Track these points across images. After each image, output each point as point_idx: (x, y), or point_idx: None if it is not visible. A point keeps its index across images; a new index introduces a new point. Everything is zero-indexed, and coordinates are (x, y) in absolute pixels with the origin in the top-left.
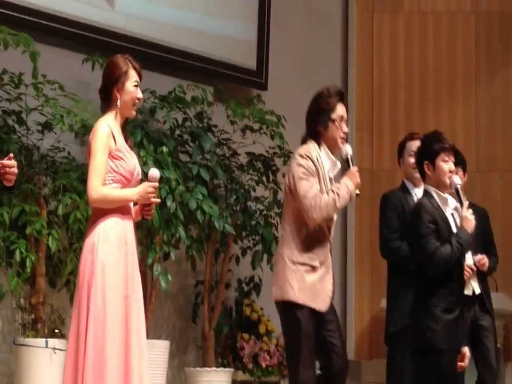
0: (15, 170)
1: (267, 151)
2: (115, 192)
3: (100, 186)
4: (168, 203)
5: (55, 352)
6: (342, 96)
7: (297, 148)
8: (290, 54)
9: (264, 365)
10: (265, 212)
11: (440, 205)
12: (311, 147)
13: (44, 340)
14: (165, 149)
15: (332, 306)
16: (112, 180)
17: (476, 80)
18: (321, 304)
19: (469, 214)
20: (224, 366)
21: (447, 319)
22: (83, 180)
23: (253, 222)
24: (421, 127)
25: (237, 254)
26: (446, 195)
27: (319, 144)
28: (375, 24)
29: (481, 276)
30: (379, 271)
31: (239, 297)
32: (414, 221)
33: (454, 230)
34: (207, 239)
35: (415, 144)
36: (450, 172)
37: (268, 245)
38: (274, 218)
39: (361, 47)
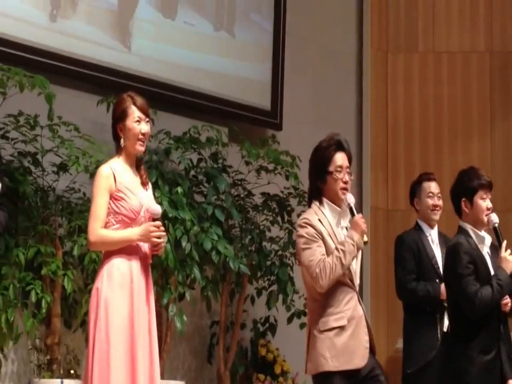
0: None
1: (282, 191)
2: (113, 234)
3: (97, 229)
4: (183, 243)
5: None
6: (340, 145)
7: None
8: (305, 95)
9: None
10: (280, 252)
11: (477, 243)
12: (310, 212)
13: (59, 380)
14: (179, 189)
15: (374, 358)
16: (115, 221)
17: (490, 120)
18: (360, 360)
19: (507, 255)
20: None
21: (483, 360)
22: None
23: (268, 262)
24: (436, 167)
25: (252, 294)
26: (483, 233)
27: (321, 202)
28: (389, 64)
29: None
30: (395, 311)
31: (255, 338)
32: (452, 261)
33: (491, 269)
34: (222, 280)
35: (433, 185)
36: (488, 209)
37: (283, 285)
38: (289, 259)
39: (376, 87)
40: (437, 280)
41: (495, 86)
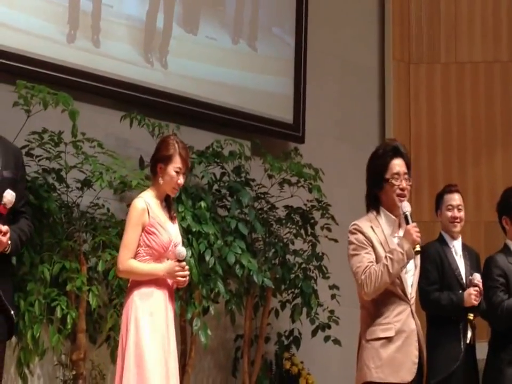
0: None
1: (305, 204)
2: (141, 266)
3: (127, 259)
4: (207, 258)
5: None
6: (397, 151)
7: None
8: (327, 107)
9: None
10: (304, 265)
11: None
12: (363, 219)
13: None
14: (203, 204)
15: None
16: (145, 253)
17: None
18: (406, 375)
19: None
20: None
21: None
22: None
23: (292, 276)
24: (459, 180)
25: (276, 307)
26: None
27: (378, 211)
28: (411, 76)
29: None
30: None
31: (279, 351)
32: (484, 276)
33: None
34: (246, 293)
35: (453, 197)
36: None
37: (307, 298)
38: (313, 272)
39: (398, 99)
40: (460, 291)
41: None
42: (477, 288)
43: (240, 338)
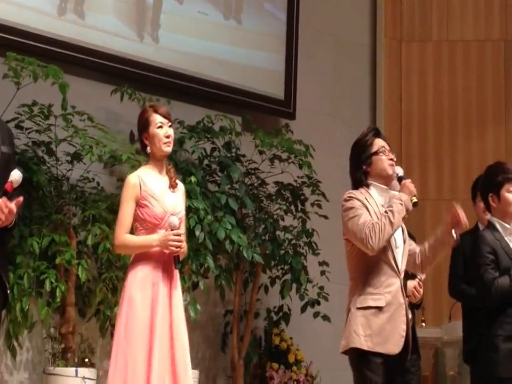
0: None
1: (295, 181)
2: (135, 239)
3: (121, 234)
4: (197, 233)
5: (85, 382)
6: (377, 132)
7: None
8: (318, 84)
9: None
10: (294, 241)
11: (505, 235)
12: (355, 191)
13: (73, 369)
14: (193, 179)
15: (412, 348)
16: (141, 226)
17: (505, 108)
18: (394, 347)
19: None
20: None
21: (508, 347)
22: (112, 210)
23: (282, 252)
24: (450, 156)
25: (265, 283)
26: None
27: (367, 185)
28: (403, 54)
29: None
30: None
31: (268, 327)
32: (473, 254)
33: None
34: (235, 269)
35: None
36: None
37: (296, 274)
38: (303, 248)
39: (390, 77)
40: None
41: (510, 74)
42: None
43: (230, 314)
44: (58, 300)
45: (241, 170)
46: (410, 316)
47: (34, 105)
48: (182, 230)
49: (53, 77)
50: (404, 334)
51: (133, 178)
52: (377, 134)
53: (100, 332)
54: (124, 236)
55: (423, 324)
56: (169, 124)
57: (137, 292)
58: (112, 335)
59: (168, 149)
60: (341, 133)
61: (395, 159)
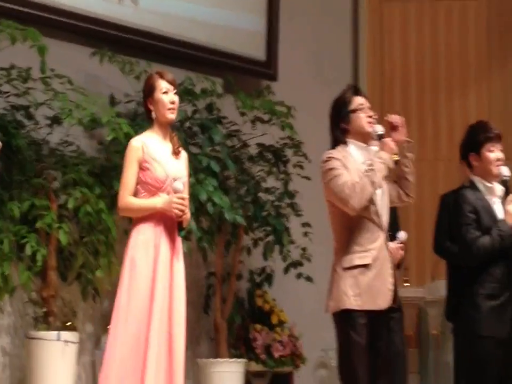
0: None
1: (277, 142)
2: (138, 201)
3: (125, 196)
4: None
5: (67, 345)
6: (356, 89)
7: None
8: (300, 45)
9: (277, 356)
10: (276, 203)
11: (486, 194)
12: (334, 151)
13: (55, 333)
14: None
15: (397, 302)
16: (143, 189)
17: (488, 67)
18: (383, 302)
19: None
20: (237, 357)
21: (489, 305)
22: (93, 174)
23: (264, 213)
24: (433, 116)
25: (248, 245)
26: (494, 184)
27: (345, 143)
28: (385, 13)
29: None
30: None
31: (251, 288)
32: (455, 213)
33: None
34: (218, 231)
35: None
36: (497, 160)
37: (279, 235)
38: (285, 209)
39: (372, 37)
40: None
41: (492, 33)
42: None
43: (213, 276)
44: (39, 264)
45: (223, 132)
46: (394, 269)
47: (12, 69)
48: (186, 195)
49: (31, 40)
50: (392, 287)
51: (135, 142)
52: (357, 92)
53: (81, 295)
54: (127, 198)
55: (406, 284)
56: (175, 90)
57: (139, 252)
58: (93, 298)
59: (172, 115)
60: (323, 94)
61: (375, 117)
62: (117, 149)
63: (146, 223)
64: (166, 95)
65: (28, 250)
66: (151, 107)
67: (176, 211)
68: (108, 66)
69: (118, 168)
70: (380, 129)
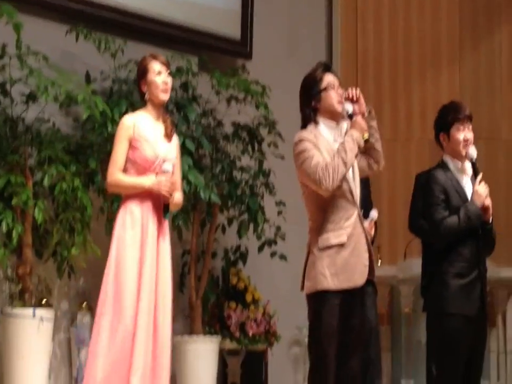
0: None
1: (252, 122)
2: (128, 179)
3: (114, 173)
4: None
5: (42, 322)
6: (327, 67)
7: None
8: (275, 24)
9: (251, 333)
10: (250, 182)
11: (456, 174)
12: (305, 131)
13: (31, 309)
14: None
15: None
16: (132, 168)
17: (460, 48)
18: (359, 279)
19: (480, 188)
20: (212, 335)
21: (458, 284)
22: (69, 151)
23: (239, 192)
24: (405, 97)
25: (223, 223)
26: (464, 163)
27: (316, 121)
28: None
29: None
30: None
31: (226, 267)
32: (425, 193)
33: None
34: (193, 209)
35: None
36: (465, 141)
37: (253, 214)
38: (259, 188)
39: (346, 17)
40: None
41: (464, 13)
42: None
43: (187, 254)
44: (15, 241)
45: (198, 111)
46: (369, 244)
47: None
48: (176, 177)
49: (7, 16)
50: (367, 262)
51: (127, 120)
52: (327, 69)
53: (57, 273)
54: (116, 174)
55: (379, 262)
56: (168, 71)
57: (126, 231)
58: (69, 276)
59: (165, 97)
60: (297, 73)
61: (348, 95)
62: (93, 127)
63: (134, 202)
64: (159, 76)
65: (4, 227)
66: (144, 88)
67: (164, 192)
68: (83, 44)
69: (94, 145)
70: (350, 108)
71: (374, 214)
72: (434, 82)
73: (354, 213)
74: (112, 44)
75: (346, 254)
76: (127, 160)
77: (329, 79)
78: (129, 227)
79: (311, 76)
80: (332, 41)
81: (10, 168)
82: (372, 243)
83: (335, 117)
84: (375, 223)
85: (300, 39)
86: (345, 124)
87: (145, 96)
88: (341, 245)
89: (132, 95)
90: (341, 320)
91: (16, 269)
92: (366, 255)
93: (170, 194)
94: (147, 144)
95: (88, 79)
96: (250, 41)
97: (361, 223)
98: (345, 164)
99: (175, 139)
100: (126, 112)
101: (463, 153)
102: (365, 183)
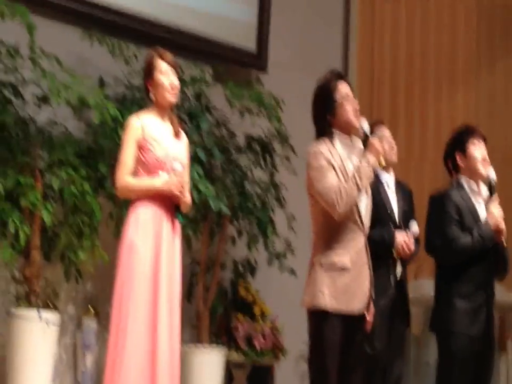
0: None
1: (265, 135)
2: (138, 182)
3: (123, 177)
4: None
5: (48, 325)
6: (340, 76)
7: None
8: (291, 39)
9: (258, 347)
10: (262, 194)
11: (471, 195)
12: (320, 143)
13: (37, 312)
14: None
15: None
16: (143, 170)
17: (476, 69)
18: (358, 304)
19: (495, 209)
20: (218, 345)
21: (463, 305)
22: (80, 155)
23: (250, 204)
24: (420, 115)
25: (232, 235)
26: (480, 185)
27: (332, 137)
28: (376, 10)
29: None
30: None
31: (235, 279)
32: (439, 211)
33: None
34: (202, 219)
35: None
36: (483, 159)
37: (263, 227)
38: (270, 201)
39: (362, 32)
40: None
41: (482, 34)
42: (407, 241)
43: (196, 264)
44: (22, 242)
45: (211, 121)
46: (371, 274)
47: (1, 44)
48: (186, 178)
49: (20, 17)
50: (367, 291)
51: (134, 121)
52: (340, 77)
53: (65, 276)
54: (125, 177)
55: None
56: (175, 72)
57: (138, 236)
58: (77, 280)
59: (172, 99)
60: (312, 87)
61: (357, 109)
62: (104, 132)
63: (144, 204)
64: (166, 77)
65: (11, 228)
66: (150, 88)
67: (176, 192)
68: (97, 49)
69: (105, 151)
70: (366, 126)
71: (414, 227)
72: (450, 103)
73: (361, 239)
74: (126, 49)
75: (348, 277)
76: (137, 162)
77: (344, 89)
78: (141, 231)
79: (325, 85)
80: (348, 57)
81: (20, 169)
82: (410, 259)
83: (350, 130)
84: (416, 238)
85: (316, 54)
86: (359, 143)
87: (151, 95)
88: (344, 268)
89: (145, 101)
90: (343, 336)
91: (24, 271)
92: (368, 284)
93: (182, 193)
94: (157, 144)
95: (101, 83)
96: (266, 54)
97: (367, 253)
98: (358, 189)
99: (184, 137)
100: None
101: (481, 171)
102: (409, 198)
